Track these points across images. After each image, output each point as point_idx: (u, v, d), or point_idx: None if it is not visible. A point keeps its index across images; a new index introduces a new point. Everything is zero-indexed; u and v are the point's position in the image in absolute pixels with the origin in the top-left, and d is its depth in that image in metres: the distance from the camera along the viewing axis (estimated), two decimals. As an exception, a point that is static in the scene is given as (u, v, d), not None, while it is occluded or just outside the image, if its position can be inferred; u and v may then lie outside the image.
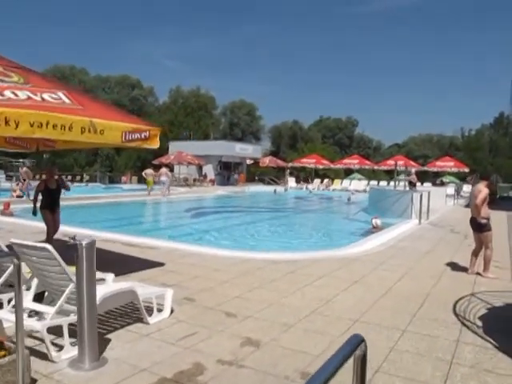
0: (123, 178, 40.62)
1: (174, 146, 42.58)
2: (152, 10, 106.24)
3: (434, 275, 7.20)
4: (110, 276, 5.90)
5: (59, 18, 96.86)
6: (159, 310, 5.16)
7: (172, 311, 5.27)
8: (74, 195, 21.70)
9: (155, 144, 6.41)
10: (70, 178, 39.66)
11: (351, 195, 29.18)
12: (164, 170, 30.03)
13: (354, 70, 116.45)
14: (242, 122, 69.50)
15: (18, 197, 21.65)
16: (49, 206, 8.49)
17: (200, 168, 43.09)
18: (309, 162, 42.01)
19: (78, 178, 40.22)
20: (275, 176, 46.68)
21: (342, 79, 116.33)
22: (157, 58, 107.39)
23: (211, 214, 19.38)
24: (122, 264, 7.81)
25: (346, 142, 71.89)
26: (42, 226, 12.23)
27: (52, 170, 9.05)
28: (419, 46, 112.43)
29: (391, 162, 32.25)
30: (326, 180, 40.09)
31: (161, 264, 7.81)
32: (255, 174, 50.28)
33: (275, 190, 32.60)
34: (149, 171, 28.90)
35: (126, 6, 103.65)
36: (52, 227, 8.62)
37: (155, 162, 39.47)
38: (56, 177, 8.82)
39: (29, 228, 11.95)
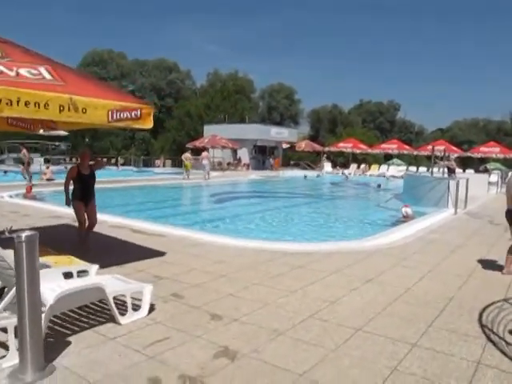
0: (157, 162, 40.61)
1: (209, 130, 42.06)
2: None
3: (462, 274, 6.30)
4: (93, 268, 5.38)
5: (98, 4, 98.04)
6: (136, 309, 4.59)
7: (153, 309, 4.70)
8: (103, 178, 21.59)
9: (148, 124, 5.80)
10: (105, 160, 40.03)
11: (387, 180, 27.98)
12: (205, 153, 29.93)
13: (396, 53, 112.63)
14: (281, 106, 68.53)
15: (48, 180, 21.73)
16: (82, 197, 7.24)
17: (235, 152, 42.53)
18: (346, 146, 40.69)
19: (113, 161, 40.50)
20: (312, 161, 45.65)
21: (383, 62, 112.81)
22: (196, 42, 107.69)
23: (237, 199, 18.75)
24: (121, 252, 7.34)
25: (387, 126, 69.55)
26: (60, 210, 12.03)
27: (86, 152, 7.64)
28: (463, 29, 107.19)
29: (430, 147, 30.67)
30: (362, 165, 38.68)
31: (162, 254, 7.26)
32: (292, 158, 49.38)
33: (305, 176, 31.61)
34: (187, 155, 28.65)
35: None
36: (84, 221, 7.35)
37: (189, 145, 39.20)
38: (91, 162, 7.56)
39: (46, 212, 11.74)
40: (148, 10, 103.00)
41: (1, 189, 16.81)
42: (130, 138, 55.10)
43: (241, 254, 7.35)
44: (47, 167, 23.78)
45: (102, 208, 11.93)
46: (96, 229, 9.00)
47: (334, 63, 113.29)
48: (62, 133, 36.27)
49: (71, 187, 7.29)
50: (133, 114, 5.63)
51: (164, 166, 40.43)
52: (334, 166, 41.12)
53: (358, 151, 41.58)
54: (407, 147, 40.51)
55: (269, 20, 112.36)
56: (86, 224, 7.44)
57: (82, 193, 7.21)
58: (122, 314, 4.43)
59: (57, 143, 36.89)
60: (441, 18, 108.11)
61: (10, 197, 14.94)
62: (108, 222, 10.26)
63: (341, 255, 7.30)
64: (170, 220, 11.97)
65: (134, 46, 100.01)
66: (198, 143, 38.39)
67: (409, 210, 11.68)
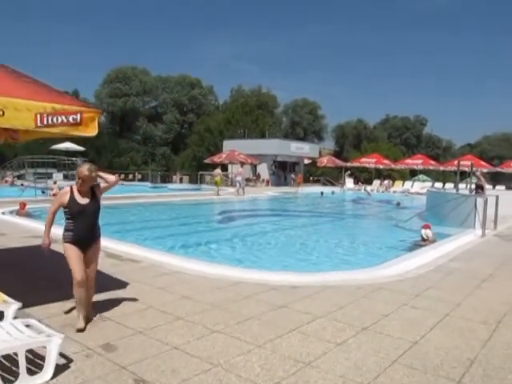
0: (174, 178, 39.92)
1: (229, 145, 41.22)
2: (215, 11, 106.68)
3: (490, 321, 4.87)
4: (11, 308, 4.25)
5: (124, 20, 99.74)
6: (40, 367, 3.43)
7: (66, 368, 3.56)
8: (110, 194, 20.73)
9: (91, 131, 4.72)
10: (122, 176, 39.51)
11: (406, 197, 26.66)
12: (240, 169, 29.78)
13: (422, 67, 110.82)
14: (304, 121, 67.60)
15: (54, 195, 21.00)
16: (77, 238, 4.56)
17: (254, 167, 41.47)
18: (368, 161, 39.06)
19: (131, 176, 39.94)
20: (335, 177, 44.16)
21: (409, 77, 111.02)
22: (221, 58, 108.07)
23: (242, 218, 17.42)
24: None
25: (414, 141, 67.63)
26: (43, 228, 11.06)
27: (87, 170, 4.55)
28: (490, 41, 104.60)
29: (457, 162, 28.98)
30: (386, 181, 36.92)
31: (123, 285, 6.10)
32: (314, 174, 48.02)
33: (322, 193, 30.16)
34: (218, 171, 28.74)
35: (189, 7, 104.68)
36: (81, 273, 4.50)
37: (207, 160, 38.42)
38: (96, 181, 4.75)
39: (28, 231, 10.80)
40: (173, 27, 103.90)
41: (2, 204, 16.11)
42: (150, 153, 54.76)
43: (216, 286, 6.10)
44: (54, 182, 23.08)
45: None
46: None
47: (359, 78, 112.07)
48: (79, 148, 36.04)
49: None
50: (70, 118, 4.63)
51: (181, 182, 39.58)
52: (357, 182, 39.51)
53: (381, 167, 39.93)
54: (433, 162, 38.64)
55: (293, 35, 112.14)
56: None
57: (79, 232, 4.56)
58: (14, 378, 3.27)
59: (73, 158, 36.46)
60: (467, 31, 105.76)
61: (3, 213, 14.09)
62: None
63: (337, 290, 5.96)
64: (162, 242, 10.83)
65: (158, 62, 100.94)
66: (216, 158, 37.53)
67: (429, 232, 10.20)
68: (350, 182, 38.34)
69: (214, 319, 4.75)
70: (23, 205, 14.54)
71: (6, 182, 30.89)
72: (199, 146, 50.13)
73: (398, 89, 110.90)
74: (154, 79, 62.98)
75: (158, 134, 58.18)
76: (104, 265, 7.24)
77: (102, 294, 5.59)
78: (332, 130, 70.91)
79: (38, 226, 11.61)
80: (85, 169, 4.57)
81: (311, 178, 44.92)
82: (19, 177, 35.33)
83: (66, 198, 4.61)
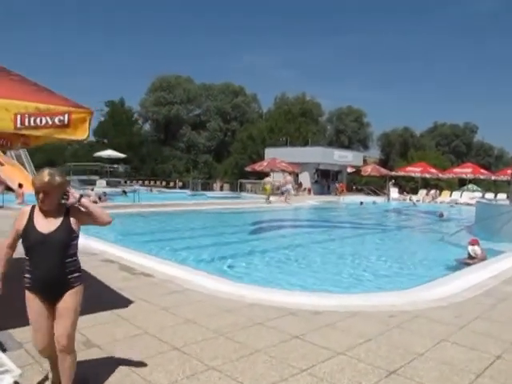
0: (214, 185, 39.73)
1: (270, 153, 40.65)
2: (258, 20, 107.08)
3: (553, 367, 3.93)
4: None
5: (169, 29, 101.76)
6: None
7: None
8: (143, 202, 20.44)
9: (81, 133, 4.17)
10: (164, 184, 39.70)
11: (451, 207, 25.32)
12: (289, 178, 30.42)
13: (472, 74, 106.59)
14: (349, 129, 66.45)
15: (94, 203, 21.05)
16: (37, 284, 3.09)
17: (296, 176, 40.65)
18: (414, 170, 37.30)
19: (172, 184, 40.10)
20: (380, 186, 42.68)
21: (458, 84, 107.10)
22: (266, 66, 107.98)
23: (272, 230, 16.55)
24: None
25: (464, 149, 64.89)
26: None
27: (47, 175, 3.00)
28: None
29: (510, 171, 27.00)
30: (432, 191, 35.08)
31: (127, 303, 5.51)
32: (358, 183, 46.74)
33: (361, 203, 29.02)
34: (267, 179, 29.85)
35: (233, 17, 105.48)
36: (45, 336, 3.19)
37: (248, 168, 38.02)
38: (71, 197, 3.16)
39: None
40: (216, 35, 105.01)
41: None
42: (192, 161, 55.03)
43: (227, 308, 5.40)
44: (92, 189, 23.20)
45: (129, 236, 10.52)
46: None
47: (405, 85, 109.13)
48: (121, 155, 36.44)
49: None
50: (56, 119, 4.09)
51: (222, 189, 39.28)
52: (402, 191, 37.87)
53: (428, 176, 38.09)
54: (484, 171, 36.44)
55: (338, 43, 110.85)
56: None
57: (37, 275, 3.08)
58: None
59: (115, 165, 37.00)
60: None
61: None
62: (105, 253, 8.79)
63: (365, 318, 5.11)
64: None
65: (202, 70, 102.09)
66: (257, 167, 37.09)
67: (477, 249, 9.10)
68: (394, 192, 36.79)
69: (214, 351, 4.05)
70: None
71: None
72: (241, 154, 49.85)
73: (447, 96, 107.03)
74: (198, 87, 63.47)
75: (202, 142, 58.48)
76: (114, 279, 6.77)
77: (97, 314, 5.03)
78: (377, 138, 69.43)
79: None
80: (44, 175, 3.01)
81: (354, 187, 43.58)
82: (66, 183, 36.09)
83: (22, 223, 3.09)
